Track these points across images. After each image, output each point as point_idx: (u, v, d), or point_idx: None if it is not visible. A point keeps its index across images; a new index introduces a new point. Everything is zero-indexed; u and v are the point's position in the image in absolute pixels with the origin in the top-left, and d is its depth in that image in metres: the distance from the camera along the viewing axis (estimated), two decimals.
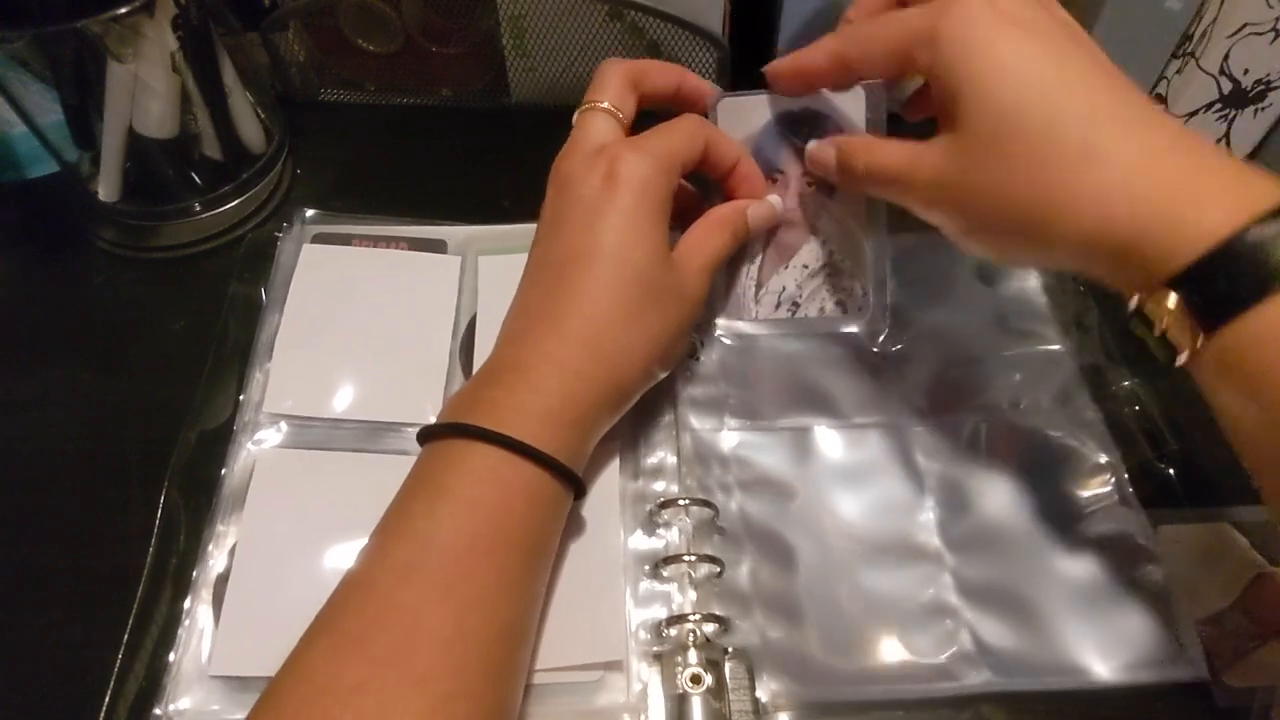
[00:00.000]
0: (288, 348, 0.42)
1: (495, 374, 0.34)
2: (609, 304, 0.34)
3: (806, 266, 0.41)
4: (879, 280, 0.41)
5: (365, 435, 0.40)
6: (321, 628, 0.30)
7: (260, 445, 0.40)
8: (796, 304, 0.41)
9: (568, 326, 0.34)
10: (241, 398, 0.41)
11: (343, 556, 0.36)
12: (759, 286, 0.41)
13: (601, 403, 0.34)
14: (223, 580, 0.36)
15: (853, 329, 0.41)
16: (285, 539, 0.37)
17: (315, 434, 0.40)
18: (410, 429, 0.40)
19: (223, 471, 0.39)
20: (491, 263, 0.46)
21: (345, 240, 0.47)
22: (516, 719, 0.32)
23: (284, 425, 0.40)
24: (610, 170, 0.35)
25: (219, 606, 0.36)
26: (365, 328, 0.43)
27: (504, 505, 0.31)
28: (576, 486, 0.34)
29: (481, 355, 0.42)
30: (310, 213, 0.47)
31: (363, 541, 0.36)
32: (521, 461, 0.31)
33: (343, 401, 0.41)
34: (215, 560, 0.37)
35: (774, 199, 0.41)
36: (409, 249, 0.46)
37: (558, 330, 0.34)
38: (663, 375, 0.38)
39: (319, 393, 0.41)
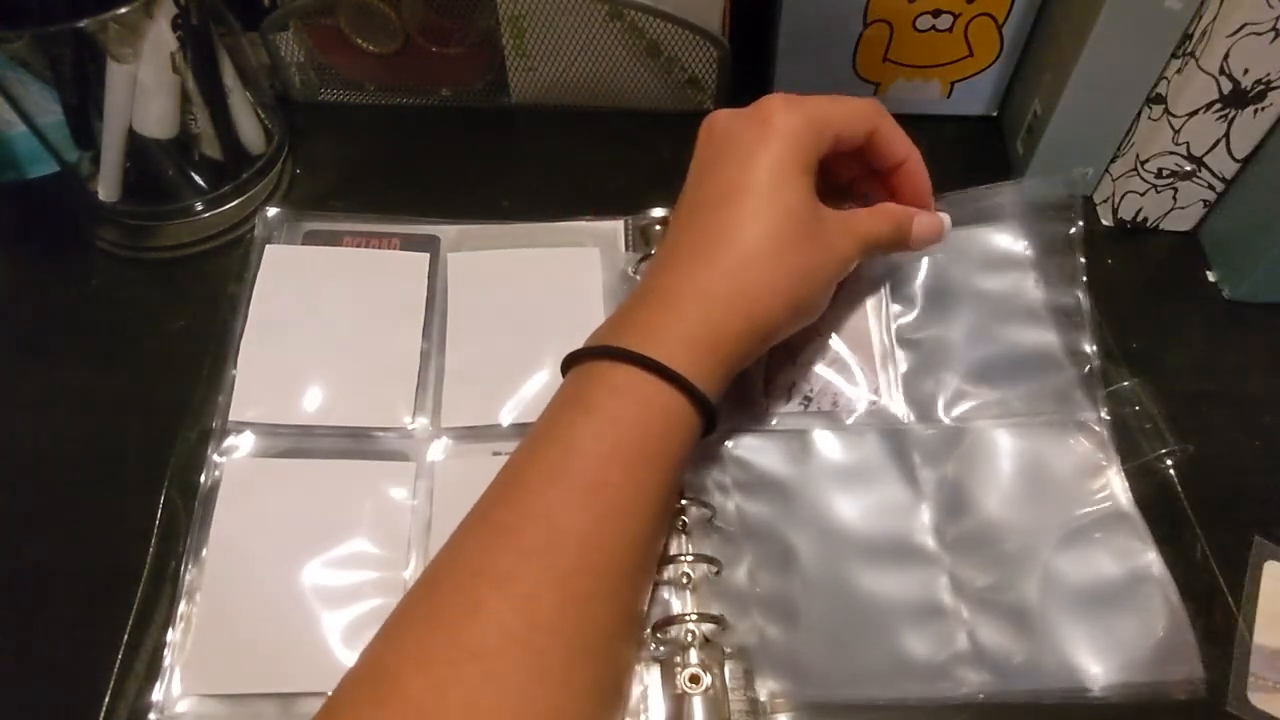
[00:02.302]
0: (252, 353, 0.42)
1: (642, 299, 0.36)
2: (756, 237, 0.35)
3: (813, 361, 0.42)
4: (886, 364, 0.42)
5: (336, 441, 0.40)
6: (479, 518, 0.32)
7: (229, 455, 0.39)
8: (809, 398, 0.41)
9: (716, 257, 0.35)
10: (220, 399, 0.41)
11: (318, 566, 0.36)
12: (768, 381, 0.41)
13: (741, 334, 0.35)
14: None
15: (865, 421, 0.41)
16: (256, 552, 0.37)
17: (284, 441, 0.40)
18: (381, 434, 0.40)
19: (217, 474, 0.39)
20: (460, 259, 0.46)
21: (338, 237, 0.46)
22: (641, 629, 0.35)
23: (252, 433, 0.40)
24: (765, 119, 0.36)
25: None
26: (332, 330, 0.43)
27: (643, 422, 0.33)
28: (709, 418, 0.35)
29: (454, 353, 0.42)
30: (273, 212, 0.47)
31: (339, 550, 0.37)
32: (661, 383, 0.33)
33: (311, 407, 0.40)
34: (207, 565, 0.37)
35: (944, 216, 0.41)
36: (401, 246, 0.46)
37: (706, 260, 0.35)
38: (803, 323, 0.38)
39: (286, 399, 0.40)
